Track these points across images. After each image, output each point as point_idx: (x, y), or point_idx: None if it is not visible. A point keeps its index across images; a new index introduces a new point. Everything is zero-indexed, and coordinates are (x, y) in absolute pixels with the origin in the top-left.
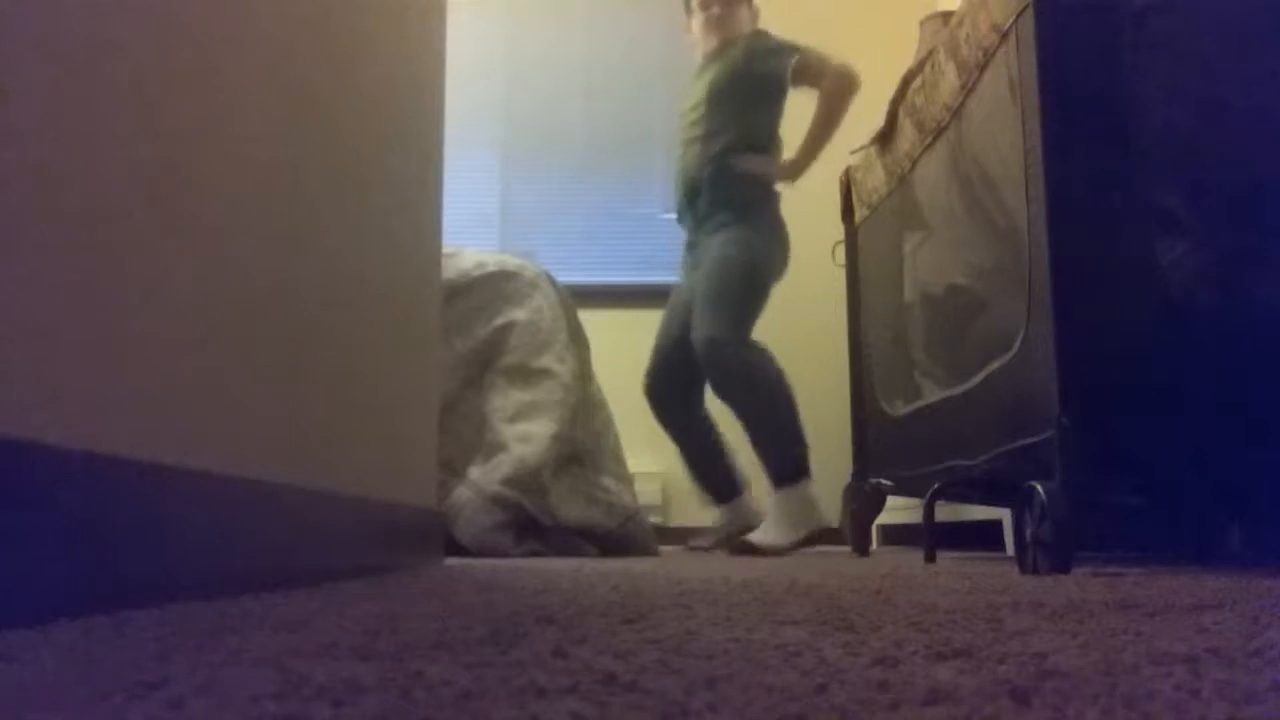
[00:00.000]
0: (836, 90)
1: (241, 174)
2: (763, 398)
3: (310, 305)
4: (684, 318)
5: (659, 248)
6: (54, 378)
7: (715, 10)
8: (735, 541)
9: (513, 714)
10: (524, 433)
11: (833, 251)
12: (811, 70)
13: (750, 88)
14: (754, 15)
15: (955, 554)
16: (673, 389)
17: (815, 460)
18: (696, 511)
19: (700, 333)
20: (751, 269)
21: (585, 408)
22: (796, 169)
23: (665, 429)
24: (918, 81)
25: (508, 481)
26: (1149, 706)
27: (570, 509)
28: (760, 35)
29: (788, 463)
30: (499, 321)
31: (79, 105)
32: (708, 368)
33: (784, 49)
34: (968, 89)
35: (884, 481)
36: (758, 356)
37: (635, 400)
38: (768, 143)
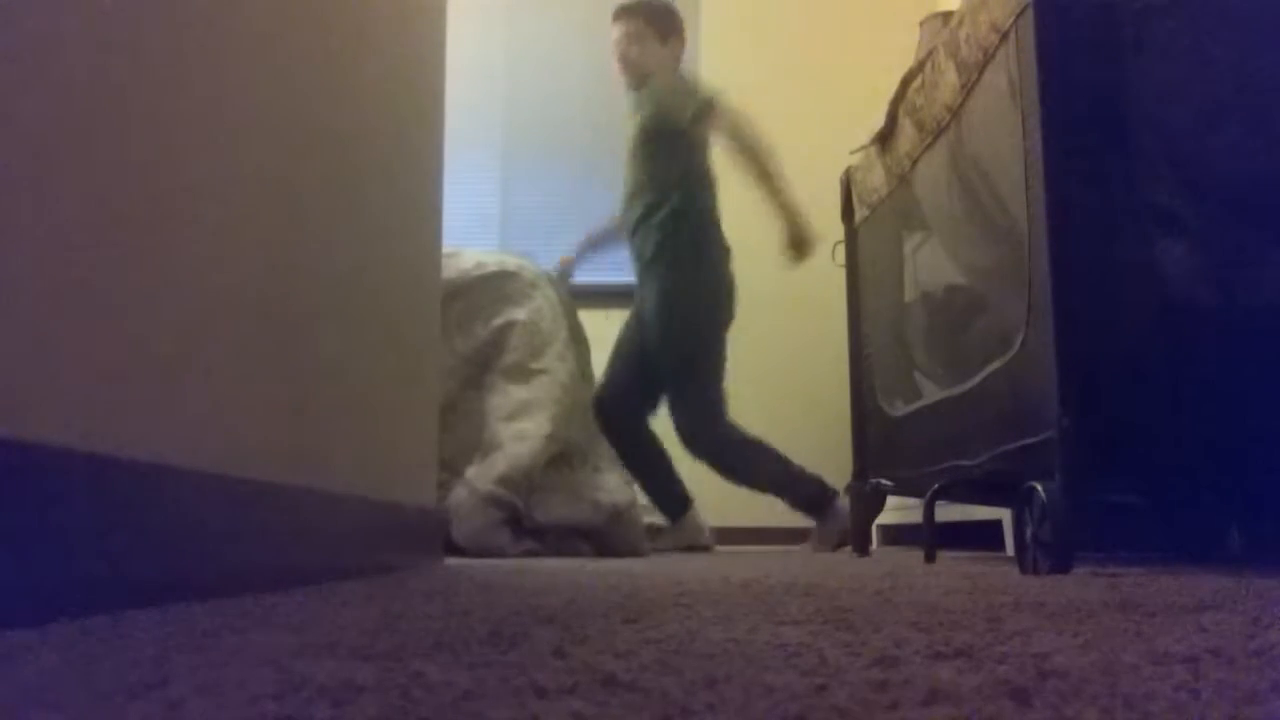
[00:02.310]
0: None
1: (241, 174)
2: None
3: (310, 305)
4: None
5: None
6: (54, 378)
7: (625, 43)
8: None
9: (513, 714)
10: (519, 431)
11: (833, 251)
12: (722, 129)
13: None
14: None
15: (955, 554)
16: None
17: (815, 460)
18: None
19: None
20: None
21: (582, 408)
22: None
23: (616, 446)
24: (918, 81)
25: (501, 480)
26: (1149, 706)
27: (551, 508)
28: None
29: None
30: (499, 322)
31: (79, 105)
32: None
33: (691, 95)
34: (968, 89)
35: (884, 481)
36: None
37: None
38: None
